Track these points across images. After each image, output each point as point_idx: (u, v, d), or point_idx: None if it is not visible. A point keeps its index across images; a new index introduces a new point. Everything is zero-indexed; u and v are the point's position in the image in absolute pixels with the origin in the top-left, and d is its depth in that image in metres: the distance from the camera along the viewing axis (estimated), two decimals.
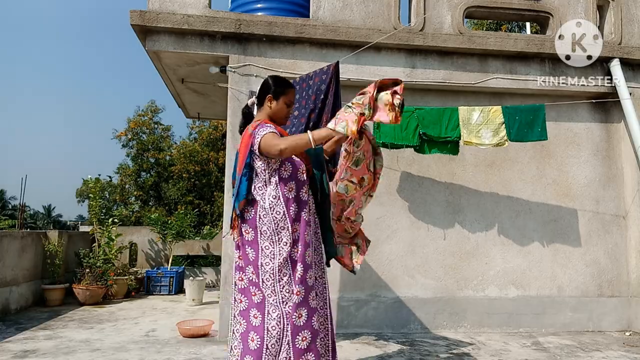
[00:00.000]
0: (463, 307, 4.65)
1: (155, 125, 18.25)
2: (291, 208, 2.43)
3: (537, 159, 4.92)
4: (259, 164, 2.45)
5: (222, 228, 4.78)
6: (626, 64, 4.89)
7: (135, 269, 7.65)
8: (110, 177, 18.76)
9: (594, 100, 4.96)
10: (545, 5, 4.92)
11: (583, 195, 4.93)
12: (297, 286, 2.37)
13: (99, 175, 17.21)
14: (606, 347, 4.12)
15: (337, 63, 3.93)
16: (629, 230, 4.92)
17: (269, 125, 2.48)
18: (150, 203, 17.79)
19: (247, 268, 2.46)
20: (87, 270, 6.31)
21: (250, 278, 2.44)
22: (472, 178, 4.82)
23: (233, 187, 2.57)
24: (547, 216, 4.86)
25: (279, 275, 2.37)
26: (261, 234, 2.41)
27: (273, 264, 2.38)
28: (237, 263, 2.53)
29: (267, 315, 2.35)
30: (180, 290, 7.23)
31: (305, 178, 2.53)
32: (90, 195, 7.71)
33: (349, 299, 4.53)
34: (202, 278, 7.03)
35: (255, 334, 2.35)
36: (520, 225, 4.82)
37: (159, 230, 7.83)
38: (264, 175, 2.45)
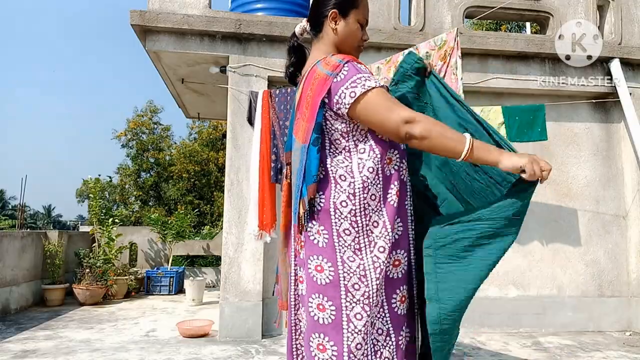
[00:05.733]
0: None
1: (155, 125, 18.26)
2: (392, 191, 1.47)
3: None
4: (337, 125, 1.48)
5: (222, 228, 4.78)
6: (626, 64, 4.89)
7: (135, 269, 7.64)
8: (110, 177, 18.76)
9: (594, 100, 4.96)
10: (545, 5, 4.92)
11: (583, 195, 4.93)
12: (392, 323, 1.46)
13: (99, 175, 17.20)
14: (606, 347, 4.11)
15: None
16: (629, 230, 4.92)
17: (363, 67, 1.49)
18: (150, 203, 17.79)
19: (312, 297, 1.44)
20: (87, 270, 6.31)
21: (317, 316, 1.42)
22: None
23: (287, 165, 1.67)
24: (547, 216, 4.86)
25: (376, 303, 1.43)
26: (339, 235, 1.43)
27: (366, 286, 1.41)
28: (295, 289, 1.55)
29: None
30: (180, 290, 7.23)
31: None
32: (90, 195, 7.72)
33: None
34: (202, 278, 7.03)
35: None
36: None
37: (159, 230, 7.83)
38: (348, 141, 1.49)
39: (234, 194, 4.35)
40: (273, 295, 2.02)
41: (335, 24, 1.57)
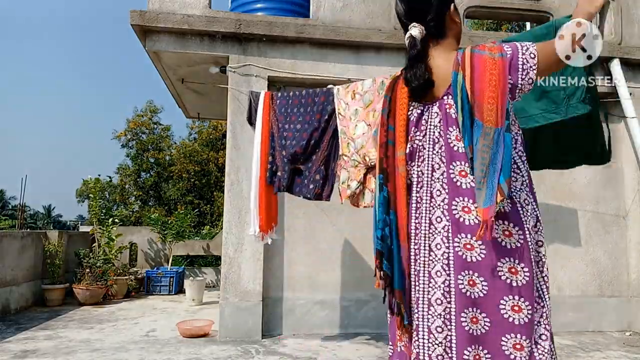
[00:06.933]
0: None
1: (155, 125, 18.28)
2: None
3: None
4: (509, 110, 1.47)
5: (222, 228, 4.77)
6: (626, 64, 4.88)
7: (135, 269, 7.65)
8: (110, 177, 18.78)
9: None
10: (545, 5, 4.92)
11: (583, 195, 4.93)
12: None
13: (99, 175, 17.21)
14: (606, 347, 4.11)
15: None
16: (629, 230, 4.92)
17: None
18: (150, 203, 17.82)
19: (506, 299, 1.40)
20: (87, 270, 6.32)
21: (512, 318, 1.40)
22: None
23: (470, 156, 1.44)
24: (547, 216, 4.85)
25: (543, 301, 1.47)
26: (529, 232, 1.43)
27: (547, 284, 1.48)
28: (470, 295, 1.42)
29: None
30: (180, 290, 7.23)
31: None
32: (90, 195, 7.74)
33: (350, 299, 4.52)
34: (202, 278, 7.03)
35: None
36: None
37: (159, 230, 7.83)
38: (514, 125, 1.51)
39: (234, 194, 4.35)
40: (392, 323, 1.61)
41: (457, 19, 1.70)
